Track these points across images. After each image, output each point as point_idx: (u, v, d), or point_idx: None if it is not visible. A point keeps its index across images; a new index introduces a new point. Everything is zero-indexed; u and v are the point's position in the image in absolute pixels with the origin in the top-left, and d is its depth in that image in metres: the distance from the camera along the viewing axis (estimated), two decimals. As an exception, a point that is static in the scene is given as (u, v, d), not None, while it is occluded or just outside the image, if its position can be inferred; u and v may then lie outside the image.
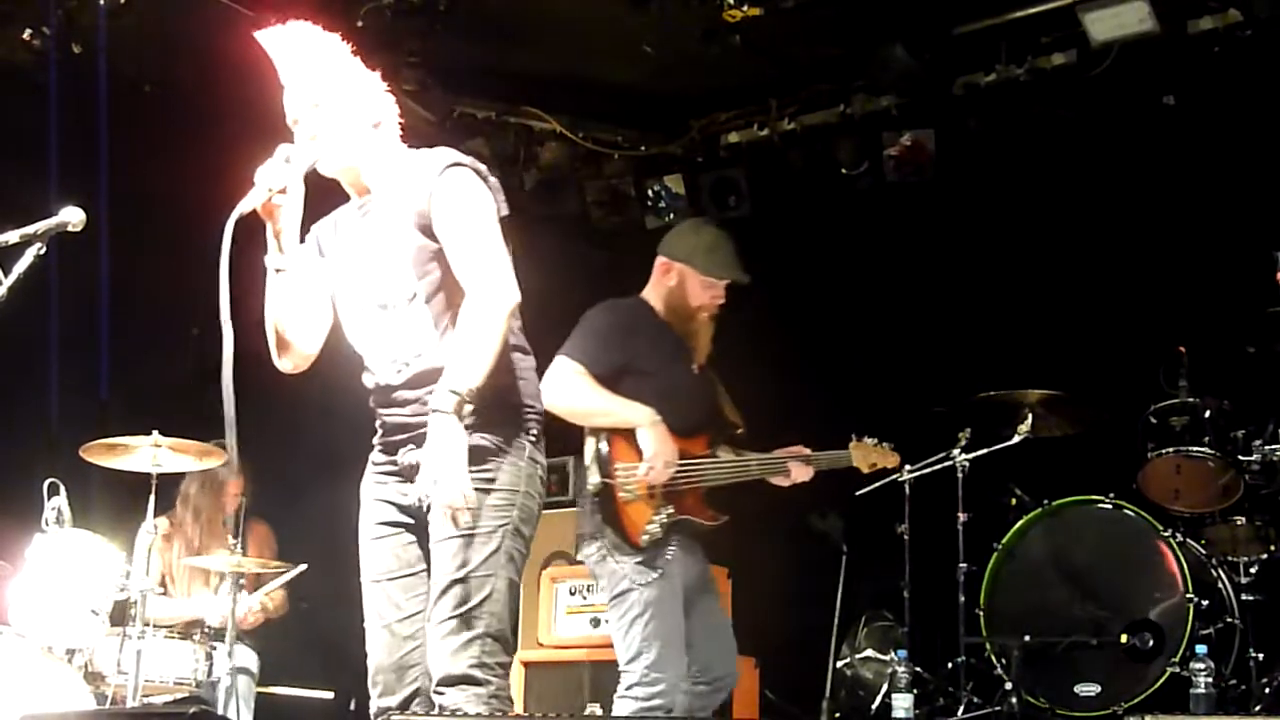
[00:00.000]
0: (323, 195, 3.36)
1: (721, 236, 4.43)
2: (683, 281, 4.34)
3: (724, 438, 4.43)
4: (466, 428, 3.04)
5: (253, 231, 3.15)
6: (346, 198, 3.39)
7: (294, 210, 3.19)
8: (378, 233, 3.26)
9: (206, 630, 5.54)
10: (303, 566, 5.70)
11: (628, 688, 4.08)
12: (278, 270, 3.24)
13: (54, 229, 3.05)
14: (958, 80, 6.21)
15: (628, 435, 4.16)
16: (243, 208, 3.11)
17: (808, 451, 4.47)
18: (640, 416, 4.13)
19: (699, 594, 4.29)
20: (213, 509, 5.92)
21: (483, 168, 3.28)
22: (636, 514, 4.16)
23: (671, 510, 4.18)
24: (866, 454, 4.61)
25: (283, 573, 5.90)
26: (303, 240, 3.31)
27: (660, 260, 4.41)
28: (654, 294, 4.38)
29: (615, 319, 4.28)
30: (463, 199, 3.18)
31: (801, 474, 4.47)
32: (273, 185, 3.14)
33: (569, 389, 4.10)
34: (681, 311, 4.34)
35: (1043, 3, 5.79)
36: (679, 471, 4.18)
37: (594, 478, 4.17)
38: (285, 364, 3.37)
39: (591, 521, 4.18)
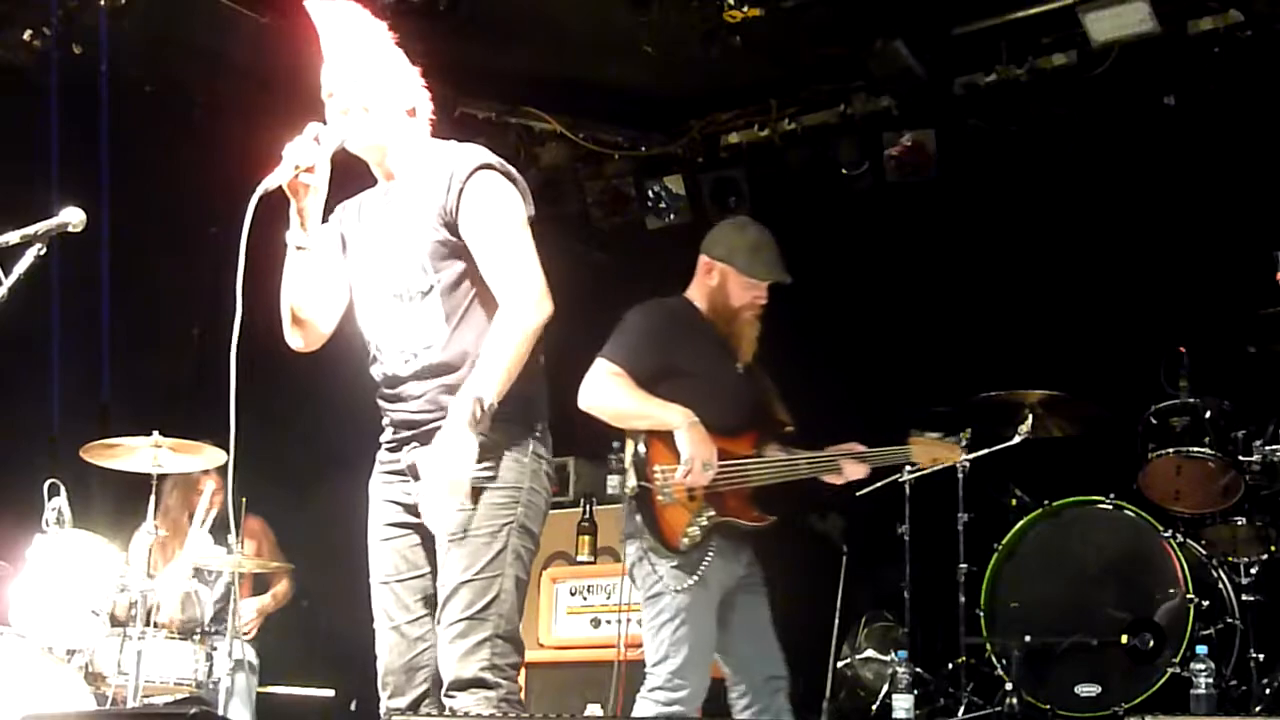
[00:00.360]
0: (353, 178, 3.38)
1: (764, 236, 4.35)
2: (724, 281, 4.28)
3: (772, 437, 4.34)
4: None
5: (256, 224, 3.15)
6: (374, 182, 3.40)
7: (319, 189, 3.21)
8: (399, 222, 3.26)
9: (207, 630, 5.54)
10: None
11: (650, 689, 4.05)
12: (299, 248, 3.25)
13: (54, 229, 3.05)
14: (958, 80, 6.21)
15: (666, 437, 4.09)
16: (268, 184, 3.13)
17: (861, 448, 4.36)
18: (677, 418, 4.07)
19: (742, 594, 4.21)
20: (179, 507, 5.92)
21: (512, 169, 3.27)
22: (675, 517, 4.10)
23: (713, 513, 4.12)
24: (928, 449, 4.54)
25: (282, 569, 5.92)
26: (325, 219, 3.32)
27: (702, 259, 4.34)
28: (697, 293, 4.33)
29: (654, 320, 4.24)
30: (494, 205, 3.18)
31: (856, 471, 4.36)
32: (300, 163, 3.15)
33: (606, 391, 4.08)
34: (724, 311, 4.28)
35: (1043, 3, 5.79)
36: (721, 472, 4.11)
37: (630, 480, 4.14)
38: (297, 341, 3.37)
39: (631, 523, 4.15)
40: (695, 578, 4.06)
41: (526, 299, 3.11)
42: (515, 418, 3.18)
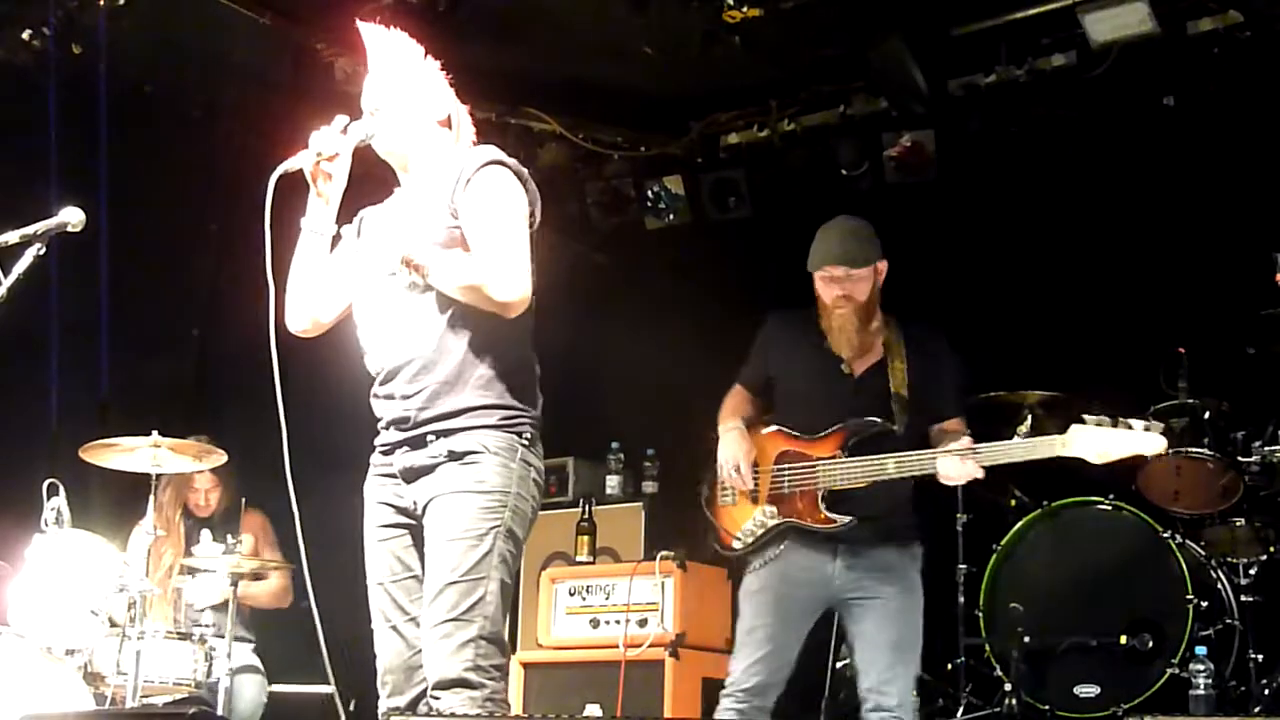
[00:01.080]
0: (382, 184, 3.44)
1: (835, 227, 4.31)
2: (815, 284, 4.29)
3: (883, 439, 4.14)
4: (459, 430, 3.17)
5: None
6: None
7: (339, 179, 3.29)
8: (411, 215, 3.32)
9: (206, 625, 5.54)
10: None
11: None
12: (312, 231, 3.33)
13: (54, 229, 3.07)
14: (957, 81, 6.21)
15: None
16: (289, 165, 3.22)
17: (969, 444, 3.95)
18: (724, 426, 4.23)
19: (856, 605, 4.15)
20: (172, 504, 5.91)
21: (524, 170, 3.32)
22: (732, 517, 4.22)
23: (773, 513, 4.15)
24: (1089, 439, 3.71)
25: (280, 567, 5.91)
26: (349, 221, 3.42)
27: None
28: None
29: (762, 333, 4.37)
30: (495, 194, 3.23)
31: (958, 472, 3.97)
32: (323, 150, 3.24)
33: (722, 409, 4.30)
34: (822, 313, 4.26)
35: (1042, 4, 5.78)
36: (779, 474, 4.14)
37: (703, 488, 4.32)
38: (299, 323, 3.41)
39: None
40: (751, 572, 4.18)
41: (501, 270, 3.14)
42: (502, 423, 3.21)
